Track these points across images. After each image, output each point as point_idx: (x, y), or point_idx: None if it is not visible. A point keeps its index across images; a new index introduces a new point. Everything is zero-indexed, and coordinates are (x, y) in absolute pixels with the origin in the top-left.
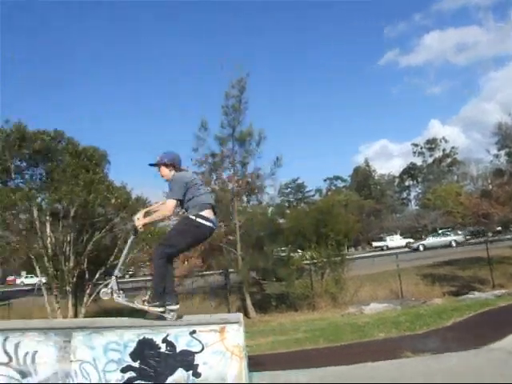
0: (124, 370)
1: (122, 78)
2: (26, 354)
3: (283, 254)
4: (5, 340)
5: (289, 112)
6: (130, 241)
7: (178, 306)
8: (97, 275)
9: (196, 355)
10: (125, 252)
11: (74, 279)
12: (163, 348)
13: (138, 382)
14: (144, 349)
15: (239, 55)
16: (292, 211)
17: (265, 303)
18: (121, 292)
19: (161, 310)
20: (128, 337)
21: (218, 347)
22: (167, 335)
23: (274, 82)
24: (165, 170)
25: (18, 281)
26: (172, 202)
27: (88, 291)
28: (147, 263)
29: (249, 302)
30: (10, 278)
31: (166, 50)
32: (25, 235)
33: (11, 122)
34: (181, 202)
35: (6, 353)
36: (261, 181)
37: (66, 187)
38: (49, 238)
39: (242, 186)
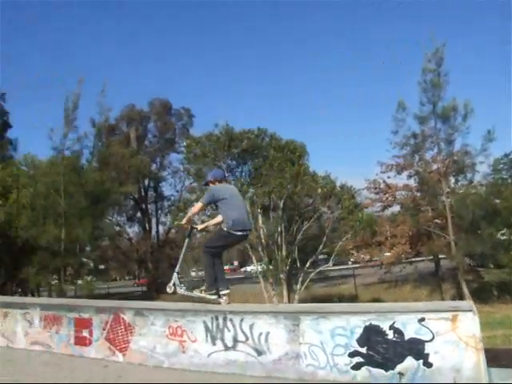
0: (352, 355)
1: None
2: (260, 334)
3: (503, 238)
4: (241, 321)
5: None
6: (185, 243)
7: (228, 291)
8: (307, 263)
9: (426, 344)
10: (182, 252)
11: (287, 267)
12: (390, 335)
13: (366, 367)
14: (371, 335)
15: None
16: (508, 189)
17: (484, 292)
18: (182, 285)
19: (215, 296)
20: (354, 322)
21: (451, 337)
22: (394, 322)
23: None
24: (211, 185)
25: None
26: (198, 205)
27: (300, 279)
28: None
29: (465, 290)
30: (225, 267)
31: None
32: None
33: (220, 125)
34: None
35: (243, 332)
36: (470, 158)
37: (274, 181)
38: (261, 230)
39: (449, 165)
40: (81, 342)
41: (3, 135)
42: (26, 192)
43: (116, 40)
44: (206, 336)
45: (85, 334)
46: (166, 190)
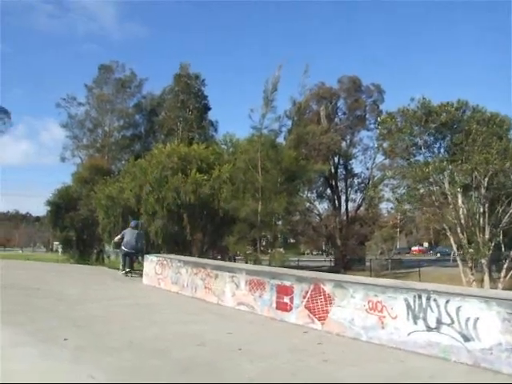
0: None
1: None
2: (468, 319)
3: None
4: (446, 302)
5: None
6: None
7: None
8: None
9: None
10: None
11: (489, 252)
12: None
13: None
14: None
15: None
16: None
17: None
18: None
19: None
20: None
21: None
22: None
23: None
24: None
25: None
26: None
27: (505, 265)
28: None
29: None
30: (415, 248)
31: None
32: (438, 207)
33: (415, 99)
34: None
35: (448, 314)
36: None
37: (477, 157)
38: (461, 210)
39: None
40: (282, 307)
41: (204, 117)
42: (226, 168)
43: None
44: (408, 314)
45: (286, 300)
46: (356, 167)
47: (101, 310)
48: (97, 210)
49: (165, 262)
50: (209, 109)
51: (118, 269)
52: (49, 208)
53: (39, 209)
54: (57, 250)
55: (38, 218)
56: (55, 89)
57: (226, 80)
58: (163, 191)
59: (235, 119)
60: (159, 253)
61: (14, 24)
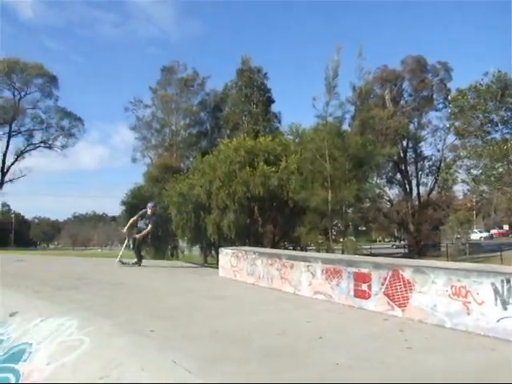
0: None
1: None
2: None
3: None
4: None
5: None
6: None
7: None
8: None
9: None
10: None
11: None
12: None
13: None
14: None
15: None
16: None
17: None
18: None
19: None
20: None
21: None
22: None
23: None
24: None
25: None
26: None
27: None
28: None
29: None
30: (494, 231)
31: None
32: None
33: (489, 73)
34: None
35: None
36: None
37: None
38: None
39: None
40: (360, 294)
41: (268, 110)
42: (293, 159)
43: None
44: (495, 299)
45: (364, 287)
46: (426, 149)
47: (183, 302)
48: (169, 207)
49: (239, 255)
50: (272, 101)
51: (194, 263)
52: (123, 208)
53: (114, 208)
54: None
55: (113, 218)
56: (123, 93)
57: (287, 73)
58: (233, 185)
59: (298, 111)
60: (233, 246)
61: (82, 35)
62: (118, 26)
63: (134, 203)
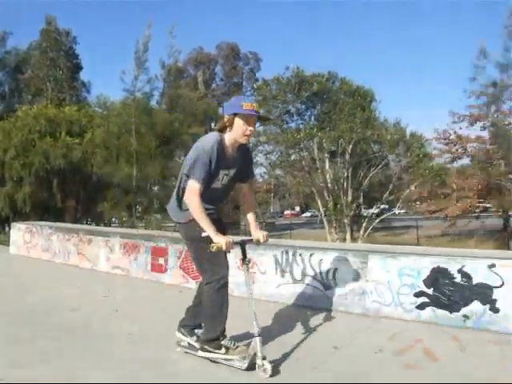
0: (417, 295)
1: None
2: (328, 270)
3: None
4: (310, 256)
5: None
6: None
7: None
8: (372, 210)
9: (495, 289)
10: None
11: (351, 213)
12: (458, 278)
13: (431, 307)
14: (438, 277)
15: None
16: None
17: None
18: None
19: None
20: (422, 264)
21: None
22: (463, 266)
23: None
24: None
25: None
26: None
27: (363, 225)
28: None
29: None
30: (287, 212)
31: None
32: (307, 172)
33: (290, 68)
34: None
35: (312, 267)
36: None
37: (343, 125)
38: (328, 174)
39: None
40: (157, 268)
41: (76, 77)
42: (99, 132)
43: None
44: (276, 269)
45: (161, 261)
46: None
47: None
48: None
49: (34, 230)
50: (81, 68)
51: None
52: None
53: None
54: None
55: None
56: None
57: (100, 39)
58: (30, 156)
59: (110, 81)
60: (28, 221)
61: None
62: None
63: None
